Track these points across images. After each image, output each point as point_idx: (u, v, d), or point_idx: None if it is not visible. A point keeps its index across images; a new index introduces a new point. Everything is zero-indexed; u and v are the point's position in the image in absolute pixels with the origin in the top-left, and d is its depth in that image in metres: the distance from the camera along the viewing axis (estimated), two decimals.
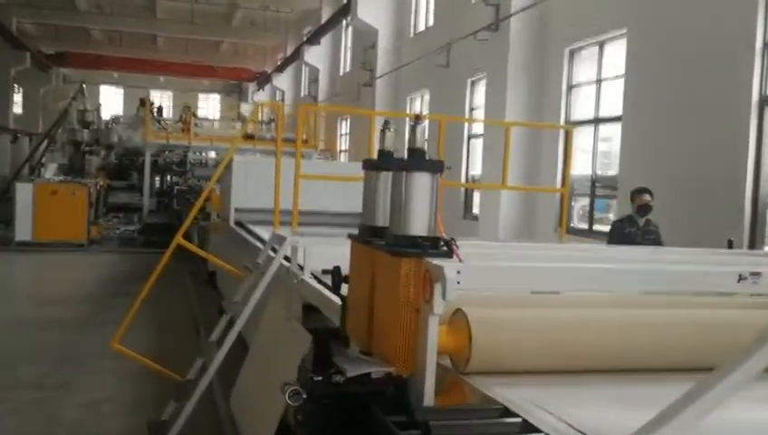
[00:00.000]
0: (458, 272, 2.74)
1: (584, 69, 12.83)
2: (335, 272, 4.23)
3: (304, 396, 2.94)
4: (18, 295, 13.39)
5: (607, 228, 12.03)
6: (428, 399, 2.84)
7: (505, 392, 2.81)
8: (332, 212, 10.62)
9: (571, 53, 12.86)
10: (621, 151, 11.12)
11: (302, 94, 34.40)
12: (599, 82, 12.16)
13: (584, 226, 12.57)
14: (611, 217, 12.53)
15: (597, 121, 12.08)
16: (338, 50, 29.34)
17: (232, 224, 10.49)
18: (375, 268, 3.25)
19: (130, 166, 24.81)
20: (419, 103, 20.57)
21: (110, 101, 46.90)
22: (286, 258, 5.88)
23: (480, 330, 2.98)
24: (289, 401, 2.93)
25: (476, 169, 16.65)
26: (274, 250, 6.34)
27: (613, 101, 11.86)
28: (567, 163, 7.45)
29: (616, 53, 11.91)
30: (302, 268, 5.74)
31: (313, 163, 13.45)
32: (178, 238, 6.37)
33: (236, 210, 10.62)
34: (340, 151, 27.68)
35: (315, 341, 3.13)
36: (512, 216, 13.59)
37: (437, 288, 2.76)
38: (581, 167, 12.91)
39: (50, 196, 18.53)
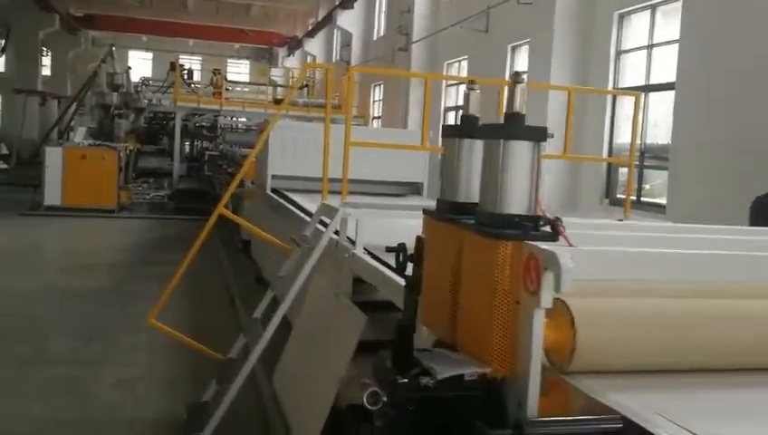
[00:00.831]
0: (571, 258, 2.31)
1: (633, 34, 12.27)
2: (400, 250, 3.81)
3: (385, 399, 2.53)
4: (47, 262, 13.11)
5: (652, 199, 11.57)
6: (532, 407, 2.43)
7: (619, 398, 2.39)
8: (372, 180, 10.28)
9: (621, 18, 12.30)
10: (674, 120, 10.59)
11: (335, 59, 33.84)
12: (650, 47, 11.60)
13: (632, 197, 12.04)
14: (647, 187, 12.03)
15: (647, 89, 11.52)
16: (372, 14, 28.75)
17: (269, 191, 10.13)
18: (461, 250, 2.83)
19: (160, 130, 24.53)
20: (457, 69, 20.02)
21: (139, 65, 46.50)
22: (335, 231, 5.50)
23: (585, 322, 2.56)
24: (366, 405, 2.52)
25: None
26: (323, 222, 5.96)
27: (663, 68, 11.35)
28: (634, 132, 6.97)
29: (668, 18, 11.37)
30: (352, 242, 5.35)
31: (353, 129, 12.96)
32: (221, 208, 5.98)
33: (273, 177, 10.26)
34: (373, 118, 27.19)
35: (397, 333, 2.72)
36: (554, 186, 13.11)
37: (547, 278, 2.34)
38: (625, 135, 12.43)
39: (79, 160, 18.22)
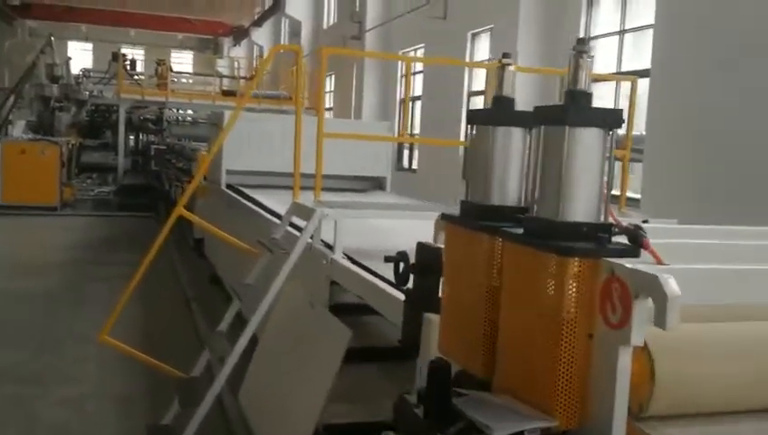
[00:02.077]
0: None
1: (602, 19, 11.83)
2: (400, 259, 3.25)
3: None
4: None
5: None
6: None
7: None
8: (333, 175, 9.69)
9: (590, 2, 11.85)
10: (649, 110, 10.15)
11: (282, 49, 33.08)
12: (621, 33, 11.16)
13: None
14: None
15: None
16: (321, 1, 28.00)
17: (223, 187, 9.48)
18: (502, 265, 2.27)
19: (103, 123, 23.61)
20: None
21: (79, 57, 45.06)
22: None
23: (662, 351, 2.02)
24: None
25: None
26: (294, 224, 5.36)
27: (633, 55, 10.98)
28: (630, 121, 6.43)
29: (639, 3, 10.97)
30: (329, 247, 4.77)
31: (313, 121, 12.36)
32: (180, 209, 5.34)
33: (228, 172, 9.60)
34: (325, 109, 26.47)
35: (430, 372, 2.14)
36: None
37: (640, 307, 1.79)
38: None
39: (18, 155, 17.32)
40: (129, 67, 24.36)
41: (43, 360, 6.88)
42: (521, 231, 2.20)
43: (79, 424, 5.50)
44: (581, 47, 2.12)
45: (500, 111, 2.47)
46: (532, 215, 2.18)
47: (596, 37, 11.81)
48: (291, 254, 4.58)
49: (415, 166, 18.63)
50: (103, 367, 6.59)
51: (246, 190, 8.98)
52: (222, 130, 9.84)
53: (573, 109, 2.07)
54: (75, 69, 26.73)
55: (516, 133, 2.43)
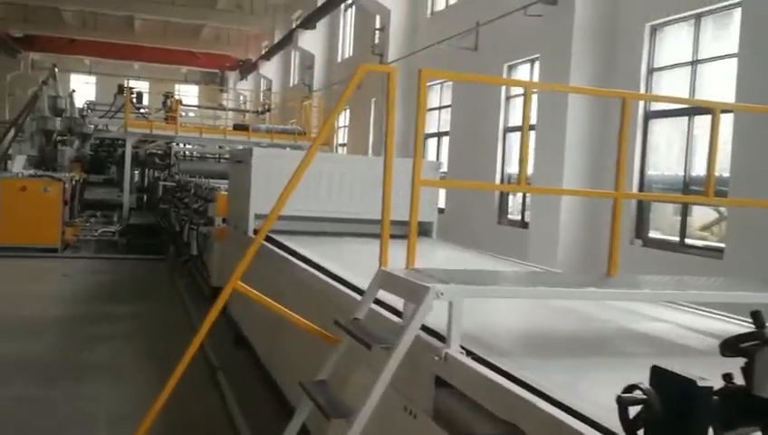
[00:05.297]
0: None
1: (669, 49, 10.64)
2: (640, 401, 2.03)
3: None
4: None
5: (701, 242, 9.85)
6: None
7: None
8: (373, 220, 8.49)
9: (653, 30, 10.66)
10: (734, 146, 8.96)
11: (292, 83, 31.90)
12: (694, 63, 9.96)
13: (671, 237, 10.33)
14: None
15: (691, 112, 9.87)
16: (335, 34, 26.80)
17: (251, 234, 8.29)
18: None
19: (108, 158, 22.54)
20: (438, 93, 18.26)
21: (82, 90, 44.09)
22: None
23: None
24: None
25: (512, 167, 14.48)
26: (377, 300, 4.10)
27: (711, 88, 9.82)
28: (712, 158, 4.89)
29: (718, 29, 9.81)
30: (436, 335, 3.51)
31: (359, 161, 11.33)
32: (235, 282, 4.08)
33: (257, 217, 8.41)
34: (338, 145, 25.25)
35: None
36: (570, 224, 11.43)
37: None
38: (665, 165, 10.86)
39: (18, 192, 16.05)
40: (135, 100, 23.30)
41: None
42: None
43: None
44: None
45: None
46: None
47: (661, 68, 10.62)
48: (394, 350, 3.31)
49: (441, 205, 17.37)
50: None
51: (278, 237, 7.81)
52: (241, 166, 8.71)
53: None
54: (79, 102, 25.70)
55: None
